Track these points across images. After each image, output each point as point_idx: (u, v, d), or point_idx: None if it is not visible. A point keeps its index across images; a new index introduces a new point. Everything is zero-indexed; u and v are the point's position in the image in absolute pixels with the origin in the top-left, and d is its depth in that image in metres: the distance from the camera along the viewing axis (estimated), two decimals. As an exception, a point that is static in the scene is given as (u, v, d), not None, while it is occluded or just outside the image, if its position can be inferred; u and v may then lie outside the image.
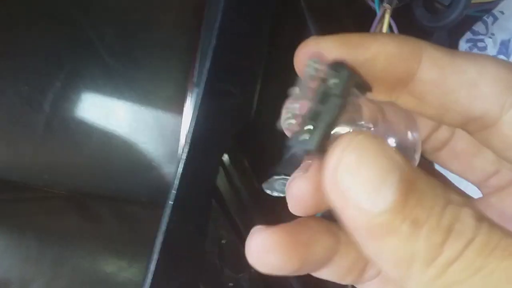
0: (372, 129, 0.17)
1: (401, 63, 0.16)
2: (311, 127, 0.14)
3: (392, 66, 0.16)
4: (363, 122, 0.16)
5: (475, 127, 0.16)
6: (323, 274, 0.18)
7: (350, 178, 0.12)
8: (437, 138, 0.20)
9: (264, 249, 0.17)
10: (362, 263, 0.19)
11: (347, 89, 0.14)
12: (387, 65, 0.16)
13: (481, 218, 0.13)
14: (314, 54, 0.15)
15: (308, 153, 0.14)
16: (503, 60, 0.16)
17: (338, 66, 0.14)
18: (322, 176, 0.13)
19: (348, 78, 0.14)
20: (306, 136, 0.14)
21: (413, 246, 0.12)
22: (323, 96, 0.14)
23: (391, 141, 0.17)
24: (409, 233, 0.12)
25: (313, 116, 0.14)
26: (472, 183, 0.20)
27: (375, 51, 0.16)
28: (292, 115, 0.15)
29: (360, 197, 0.12)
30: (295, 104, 0.15)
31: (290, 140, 0.15)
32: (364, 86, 0.15)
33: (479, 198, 0.20)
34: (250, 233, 0.17)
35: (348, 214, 0.13)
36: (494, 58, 0.16)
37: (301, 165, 0.18)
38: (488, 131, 0.16)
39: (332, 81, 0.14)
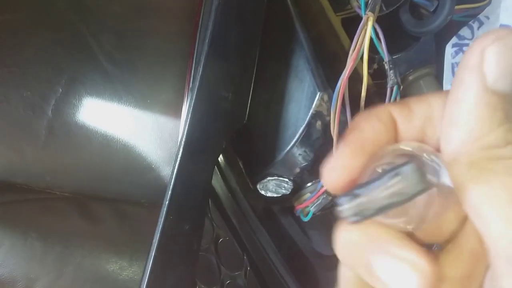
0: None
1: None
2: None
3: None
4: None
5: None
6: None
7: (496, 54, 0.16)
8: None
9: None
10: None
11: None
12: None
13: None
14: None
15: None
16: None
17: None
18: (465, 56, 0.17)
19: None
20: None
21: (493, 128, 0.16)
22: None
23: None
24: (499, 118, 0.16)
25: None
26: None
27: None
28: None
29: (492, 71, 0.16)
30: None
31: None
32: None
33: None
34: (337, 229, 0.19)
35: (472, 76, 0.16)
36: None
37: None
38: None
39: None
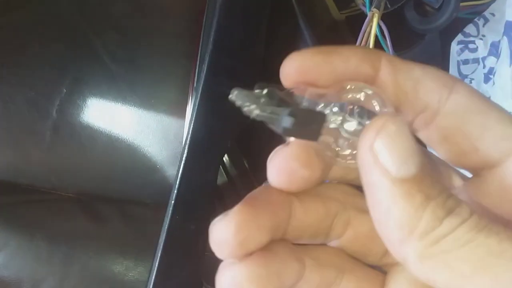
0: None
1: (367, 63, 0.18)
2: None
3: (361, 67, 0.18)
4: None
5: (423, 121, 0.19)
6: None
7: (384, 146, 0.16)
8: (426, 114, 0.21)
9: (237, 286, 0.17)
10: (326, 285, 0.20)
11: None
12: (358, 65, 0.18)
13: (475, 210, 0.16)
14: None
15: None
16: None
17: None
18: (359, 141, 0.16)
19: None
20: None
21: (420, 214, 0.15)
22: None
23: None
24: (420, 203, 0.15)
25: None
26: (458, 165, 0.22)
27: (346, 55, 0.18)
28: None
29: (390, 163, 0.16)
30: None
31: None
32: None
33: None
34: (219, 267, 0.18)
35: (375, 175, 0.16)
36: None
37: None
38: (430, 126, 0.19)
39: None
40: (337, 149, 0.18)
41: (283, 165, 0.18)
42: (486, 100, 0.18)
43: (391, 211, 0.16)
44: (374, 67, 0.18)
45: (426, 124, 0.19)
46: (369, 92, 0.18)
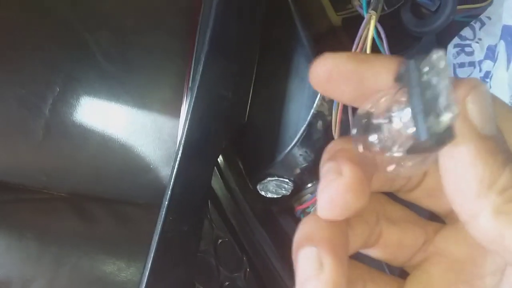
0: None
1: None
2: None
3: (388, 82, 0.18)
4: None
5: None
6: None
7: (475, 103, 0.17)
8: (412, 182, 0.22)
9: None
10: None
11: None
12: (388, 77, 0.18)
13: None
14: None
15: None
16: None
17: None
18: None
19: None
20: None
21: (501, 171, 0.16)
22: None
23: None
24: (501, 160, 0.17)
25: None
26: (441, 216, 0.23)
27: (378, 67, 0.18)
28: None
29: (478, 120, 0.17)
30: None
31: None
32: None
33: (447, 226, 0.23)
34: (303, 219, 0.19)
35: (463, 128, 0.17)
36: None
37: (327, 169, 0.19)
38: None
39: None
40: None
41: (339, 199, 0.18)
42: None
43: (474, 165, 0.17)
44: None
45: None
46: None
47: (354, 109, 0.32)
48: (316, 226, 0.19)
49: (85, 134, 0.45)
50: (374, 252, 0.22)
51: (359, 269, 0.22)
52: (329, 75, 0.18)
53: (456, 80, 0.17)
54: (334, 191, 0.18)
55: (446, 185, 0.18)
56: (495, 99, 0.18)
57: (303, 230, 0.19)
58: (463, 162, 0.17)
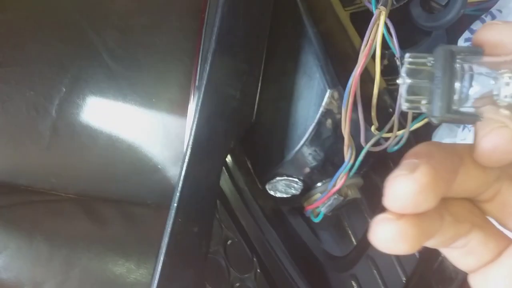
0: None
1: None
2: None
3: None
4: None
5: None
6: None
7: None
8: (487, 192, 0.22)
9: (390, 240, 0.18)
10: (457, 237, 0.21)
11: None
12: None
13: None
14: None
15: None
16: None
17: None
18: None
19: None
20: None
21: None
22: None
23: None
24: None
25: None
26: None
27: None
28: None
29: None
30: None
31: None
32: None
33: None
34: (374, 220, 0.19)
35: None
36: None
37: (403, 163, 0.19)
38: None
39: None
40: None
41: (409, 199, 0.18)
42: None
43: None
44: None
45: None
46: None
47: (364, 107, 0.31)
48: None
49: (93, 135, 0.45)
50: (486, 207, 0.22)
51: (471, 213, 0.21)
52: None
53: None
54: (405, 190, 0.18)
55: None
56: None
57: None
58: None
